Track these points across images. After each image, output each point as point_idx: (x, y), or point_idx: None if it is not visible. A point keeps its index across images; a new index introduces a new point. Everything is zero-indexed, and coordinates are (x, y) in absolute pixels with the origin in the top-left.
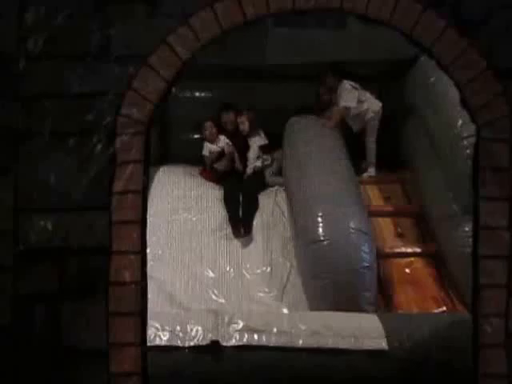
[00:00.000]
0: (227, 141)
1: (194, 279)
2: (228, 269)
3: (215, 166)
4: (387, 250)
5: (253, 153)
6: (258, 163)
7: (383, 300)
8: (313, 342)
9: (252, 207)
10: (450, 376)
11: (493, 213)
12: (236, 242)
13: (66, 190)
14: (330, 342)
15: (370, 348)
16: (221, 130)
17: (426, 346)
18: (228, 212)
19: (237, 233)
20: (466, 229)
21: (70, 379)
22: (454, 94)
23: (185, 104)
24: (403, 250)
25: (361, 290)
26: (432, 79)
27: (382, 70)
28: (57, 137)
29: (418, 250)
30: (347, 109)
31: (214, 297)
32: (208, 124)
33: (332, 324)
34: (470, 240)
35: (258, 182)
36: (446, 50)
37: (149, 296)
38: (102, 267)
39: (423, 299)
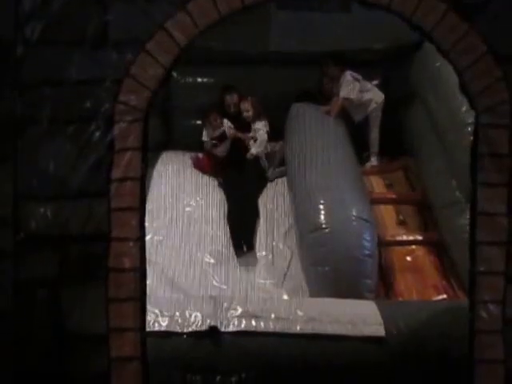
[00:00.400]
0: (230, 124)
1: (195, 265)
2: (229, 255)
3: (215, 151)
4: (389, 238)
5: (261, 135)
6: (261, 148)
7: (384, 288)
8: (310, 328)
9: (253, 222)
10: (447, 362)
11: (491, 199)
12: None
13: (65, 178)
14: (327, 328)
15: (368, 334)
16: (223, 114)
17: (423, 332)
18: (231, 232)
19: (240, 252)
20: (469, 216)
21: (71, 363)
22: (458, 80)
23: (187, 89)
24: (405, 237)
25: (361, 278)
26: (437, 64)
27: (385, 56)
28: (55, 124)
29: (420, 237)
30: (347, 100)
31: (214, 283)
32: (212, 117)
33: (329, 310)
34: None
35: (260, 181)
36: (446, 34)
37: (149, 282)
38: (102, 254)
39: (424, 287)
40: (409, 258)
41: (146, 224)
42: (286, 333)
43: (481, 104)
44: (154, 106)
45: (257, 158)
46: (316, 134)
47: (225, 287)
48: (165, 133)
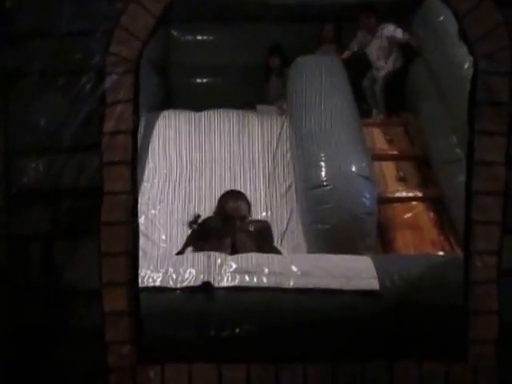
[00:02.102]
0: None
1: None
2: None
3: None
4: (388, 195)
5: None
6: None
7: (382, 244)
8: (304, 283)
9: None
10: (443, 315)
11: (489, 148)
12: (236, 186)
13: (56, 131)
14: (320, 283)
15: (361, 288)
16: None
17: (418, 285)
18: None
19: None
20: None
21: (65, 317)
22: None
23: (187, 47)
24: (404, 194)
25: (361, 236)
26: (440, 19)
27: (387, 7)
28: (45, 77)
29: (419, 194)
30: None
31: None
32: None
33: (323, 265)
34: None
35: None
36: None
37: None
38: (94, 207)
39: (422, 244)
40: (408, 215)
41: (146, 183)
42: (280, 287)
43: (480, 50)
44: (153, 64)
45: None
46: (318, 87)
47: None
48: (164, 91)
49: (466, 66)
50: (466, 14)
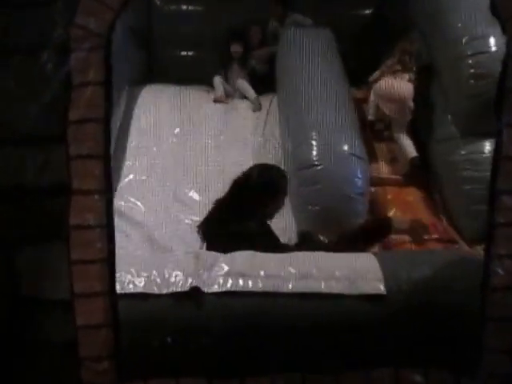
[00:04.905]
0: None
1: (180, 203)
2: (215, 193)
3: None
4: (380, 175)
5: None
6: None
7: None
8: (303, 286)
9: None
10: (453, 319)
11: None
12: (224, 166)
13: (12, 120)
14: (321, 286)
15: (366, 292)
16: None
17: (426, 287)
18: None
19: None
20: (463, 152)
21: (32, 333)
22: (460, 9)
23: (170, 18)
24: (397, 174)
25: (352, 217)
26: None
27: None
28: None
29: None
30: None
31: (197, 218)
32: None
33: (324, 265)
34: (466, 164)
35: None
36: None
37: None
38: (61, 209)
39: None
40: (400, 195)
41: (129, 162)
42: (277, 292)
43: None
44: (135, 36)
45: None
46: (309, 62)
47: None
48: (146, 64)
49: (464, 40)
50: None
